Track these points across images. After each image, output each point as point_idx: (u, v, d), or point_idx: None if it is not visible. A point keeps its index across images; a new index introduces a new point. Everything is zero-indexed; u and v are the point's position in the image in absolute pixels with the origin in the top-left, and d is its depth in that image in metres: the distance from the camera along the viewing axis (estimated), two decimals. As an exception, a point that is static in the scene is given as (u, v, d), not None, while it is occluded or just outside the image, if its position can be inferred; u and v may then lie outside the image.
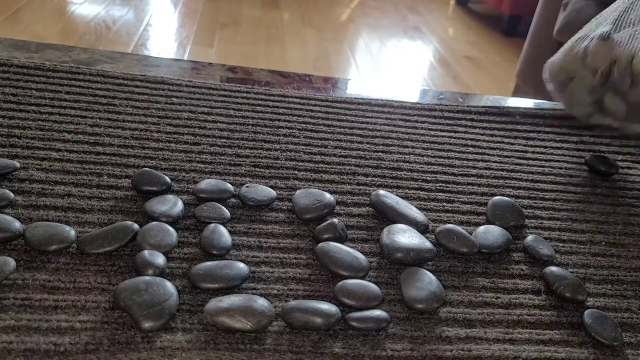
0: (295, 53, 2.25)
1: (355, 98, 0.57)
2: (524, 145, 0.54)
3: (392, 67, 2.34)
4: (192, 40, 2.19)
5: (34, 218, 0.35)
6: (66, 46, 0.58)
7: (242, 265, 0.33)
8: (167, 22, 2.39)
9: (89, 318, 0.29)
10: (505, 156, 0.52)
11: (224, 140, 0.46)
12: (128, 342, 0.28)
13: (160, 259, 0.32)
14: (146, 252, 0.33)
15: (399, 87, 0.63)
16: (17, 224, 0.33)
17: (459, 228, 0.39)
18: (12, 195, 0.36)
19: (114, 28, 2.16)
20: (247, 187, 0.40)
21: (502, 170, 0.50)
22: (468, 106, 0.59)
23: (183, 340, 0.29)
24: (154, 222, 0.35)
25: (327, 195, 0.41)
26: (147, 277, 0.31)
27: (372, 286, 0.34)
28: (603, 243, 0.43)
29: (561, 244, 0.41)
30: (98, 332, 0.29)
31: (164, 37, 2.24)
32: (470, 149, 0.52)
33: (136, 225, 0.35)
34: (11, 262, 0.31)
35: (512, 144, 0.54)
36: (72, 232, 0.34)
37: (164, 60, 0.60)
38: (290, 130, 0.49)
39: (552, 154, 0.54)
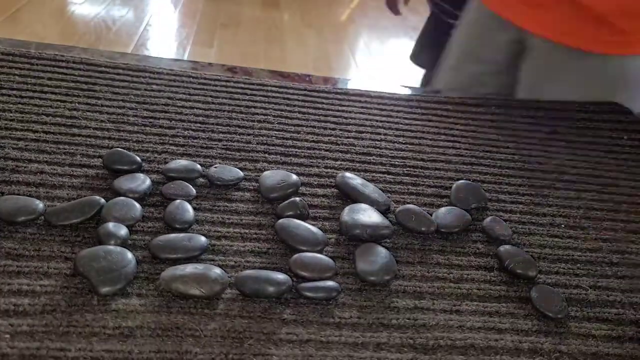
0: (295, 53, 2.26)
1: (333, 88, 0.58)
2: (497, 134, 0.55)
3: (392, 68, 2.34)
4: (192, 40, 2.21)
5: (5, 192, 0.36)
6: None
7: (202, 238, 0.35)
8: (167, 22, 2.41)
9: (49, 283, 0.31)
10: (477, 144, 0.53)
11: (199, 125, 0.48)
12: (84, 305, 0.30)
13: (122, 231, 0.34)
14: (109, 224, 0.34)
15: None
16: (-12, 197, 0.35)
17: (418, 208, 0.40)
18: (-14, 171, 0.37)
19: (114, 28, 2.18)
20: (216, 167, 0.42)
21: (472, 157, 0.51)
22: (445, 97, 0.60)
23: (137, 304, 0.30)
24: (120, 197, 0.37)
25: (293, 176, 0.42)
26: (108, 247, 0.33)
27: (326, 259, 0.35)
28: (562, 226, 0.44)
29: (520, 226, 0.43)
30: (57, 296, 0.30)
31: (164, 37, 2.26)
32: (443, 137, 0.53)
33: (102, 200, 0.36)
34: (-21, 231, 0.32)
35: (485, 132, 0.55)
36: (41, 205, 0.35)
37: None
38: (265, 117, 0.51)
39: (524, 142, 0.55)
